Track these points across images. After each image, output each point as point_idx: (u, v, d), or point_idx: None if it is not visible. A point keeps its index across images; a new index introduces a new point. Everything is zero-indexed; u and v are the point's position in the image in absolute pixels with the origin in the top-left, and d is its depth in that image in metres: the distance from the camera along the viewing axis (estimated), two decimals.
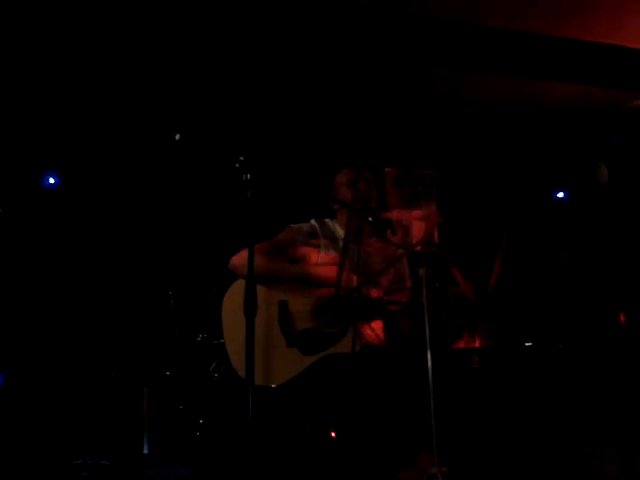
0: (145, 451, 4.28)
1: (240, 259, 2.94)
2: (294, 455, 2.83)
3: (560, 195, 5.95)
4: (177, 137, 2.38)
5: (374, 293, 2.95)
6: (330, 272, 2.87)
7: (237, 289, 2.98)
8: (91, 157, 5.04)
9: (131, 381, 4.60)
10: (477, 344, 3.63)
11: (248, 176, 2.34)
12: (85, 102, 4.92)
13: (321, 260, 3.02)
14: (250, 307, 2.25)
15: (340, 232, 3.15)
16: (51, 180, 4.97)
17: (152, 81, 4.83)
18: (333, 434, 2.79)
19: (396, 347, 2.93)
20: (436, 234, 5.44)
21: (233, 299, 2.97)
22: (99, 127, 4.99)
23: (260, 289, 2.78)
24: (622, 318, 4.34)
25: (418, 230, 3.40)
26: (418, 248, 2.70)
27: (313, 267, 2.98)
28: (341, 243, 3.05)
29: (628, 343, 4.40)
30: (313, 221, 3.19)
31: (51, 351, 4.73)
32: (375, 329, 2.94)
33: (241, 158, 2.36)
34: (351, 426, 2.72)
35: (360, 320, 2.87)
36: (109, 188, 5.05)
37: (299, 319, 2.90)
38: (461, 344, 3.42)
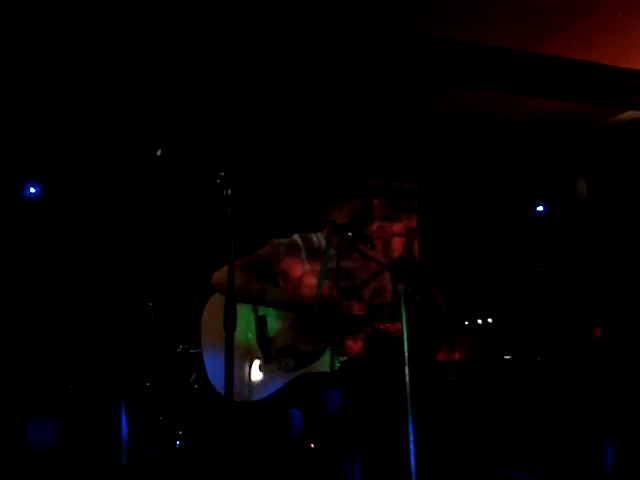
0: (124, 462, 4.26)
1: (223, 276, 2.85)
2: (273, 468, 2.83)
3: (539, 209, 6.00)
4: (158, 153, 2.40)
5: (355, 308, 2.94)
6: (310, 292, 2.86)
7: (217, 301, 2.96)
8: (73, 167, 5.01)
9: (110, 392, 4.57)
10: (456, 357, 3.65)
11: (229, 192, 2.37)
12: (67, 112, 4.90)
13: (305, 272, 3.01)
14: (230, 325, 2.25)
15: (325, 245, 3.13)
16: (32, 189, 4.94)
17: (134, 96, 4.82)
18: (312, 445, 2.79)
19: (376, 362, 2.92)
20: (416, 249, 5.47)
21: (212, 313, 2.95)
22: (81, 138, 4.97)
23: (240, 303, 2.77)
24: (597, 333, 4.38)
25: (399, 244, 3.42)
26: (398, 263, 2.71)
27: (293, 288, 2.96)
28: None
29: (606, 355, 4.45)
30: (296, 236, 3.15)
31: (29, 362, 4.69)
32: (354, 344, 2.93)
33: (222, 174, 2.38)
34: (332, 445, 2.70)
35: (339, 338, 2.85)
36: (90, 199, 5.03)
37: (277, 335, 2.88)
38: (440, 357, 3.44)
